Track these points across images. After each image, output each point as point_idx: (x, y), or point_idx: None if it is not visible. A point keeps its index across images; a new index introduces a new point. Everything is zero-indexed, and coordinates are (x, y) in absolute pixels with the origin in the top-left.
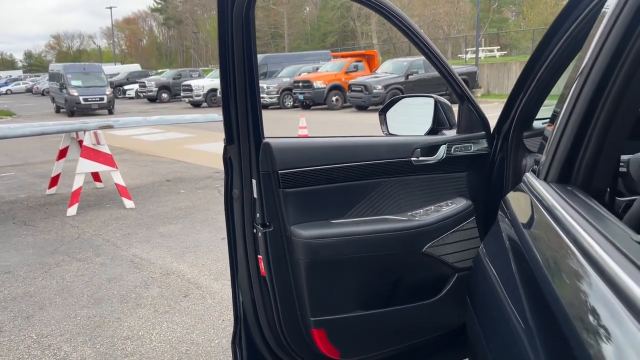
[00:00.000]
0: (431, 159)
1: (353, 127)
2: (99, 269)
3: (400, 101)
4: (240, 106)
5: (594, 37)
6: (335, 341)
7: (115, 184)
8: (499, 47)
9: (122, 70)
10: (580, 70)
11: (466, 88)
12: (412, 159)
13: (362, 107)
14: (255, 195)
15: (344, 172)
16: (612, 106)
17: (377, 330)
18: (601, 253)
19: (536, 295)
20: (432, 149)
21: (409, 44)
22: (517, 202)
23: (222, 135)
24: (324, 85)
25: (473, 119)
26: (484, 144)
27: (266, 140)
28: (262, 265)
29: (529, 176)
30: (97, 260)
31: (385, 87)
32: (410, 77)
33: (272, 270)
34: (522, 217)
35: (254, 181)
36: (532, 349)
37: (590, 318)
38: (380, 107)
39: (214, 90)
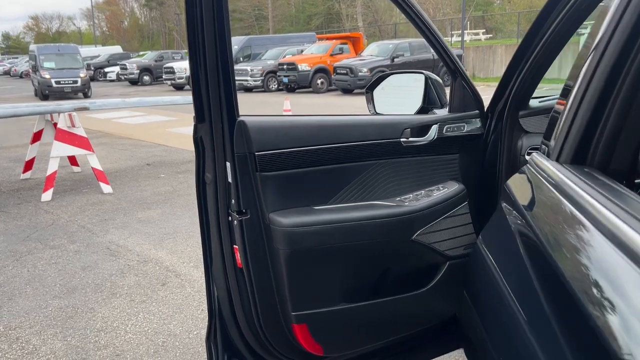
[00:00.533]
0: (422, 140)
1: (338, 111)
2: (73, 256)
3: (388, 78)
4: (211, 79)
5: (611, 6)
6: (319, 337)
7: (92, 168)
8: (484, 30)
9: (102, 52)
10: (597, 41)
11: (460, 63)
12: (402, 139)
13: (347, 90)
14: (229, 180)
15: (327, 154)
16: (634, 80)
17: (363, 324)
18: (633, 237)
19: (553, 286)
20: (422, 129)
21: (394, 27)
22: (523, 187)
23: None
24: (309, 68)
25: (466, 96)
26: (477, 123)
27: (241, 118)
28: (238, 256)
29: (537, 157)
30: (72, 248)
31: (371, 69)
32: (396, 59)
33: (249, 261)
34: (530, 203)
35: (228, 164)
36: (546, 346)
37: (624, 310)
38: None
39: None
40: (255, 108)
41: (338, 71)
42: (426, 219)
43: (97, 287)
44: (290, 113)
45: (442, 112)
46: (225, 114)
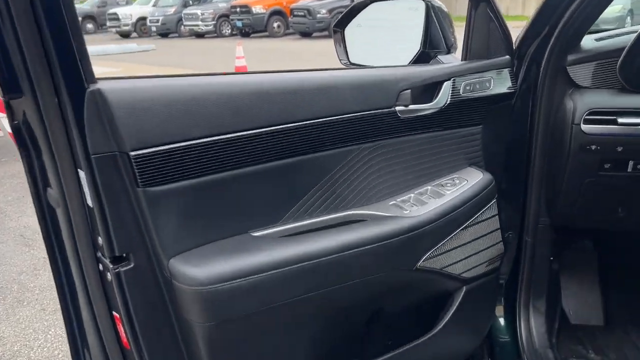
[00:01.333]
0: (429, 107)
1: (298, 57)
2: None
3: (366, 9)
4: (21, 14)
5: None
6: None
7: (9, 133)
8: None
9: None
10: None
11: None
12: (397, 108)
13: (306, 34)
14: (90, 203)
15: (272, 142)
16: None
17: None
18: None
19: None
20: (427, 89)
21: None
22: None
23: (154, 69)
24: (263, 11)
25: (493, 34)
26: (508, 77)
27: (97, 86)
28: (122, 331)
29: None
30: None
31: (330, 11)
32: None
33: (140, 340)
34: None
35: (81, 173)
36: None
37: None
38: (326, 32)
39: (143, 18)
40: (205, 56)
41: (295, 13)
42: (437, 234)
43: None
44: (243, 60)
45: (450, 60)
46: (61, 77)
